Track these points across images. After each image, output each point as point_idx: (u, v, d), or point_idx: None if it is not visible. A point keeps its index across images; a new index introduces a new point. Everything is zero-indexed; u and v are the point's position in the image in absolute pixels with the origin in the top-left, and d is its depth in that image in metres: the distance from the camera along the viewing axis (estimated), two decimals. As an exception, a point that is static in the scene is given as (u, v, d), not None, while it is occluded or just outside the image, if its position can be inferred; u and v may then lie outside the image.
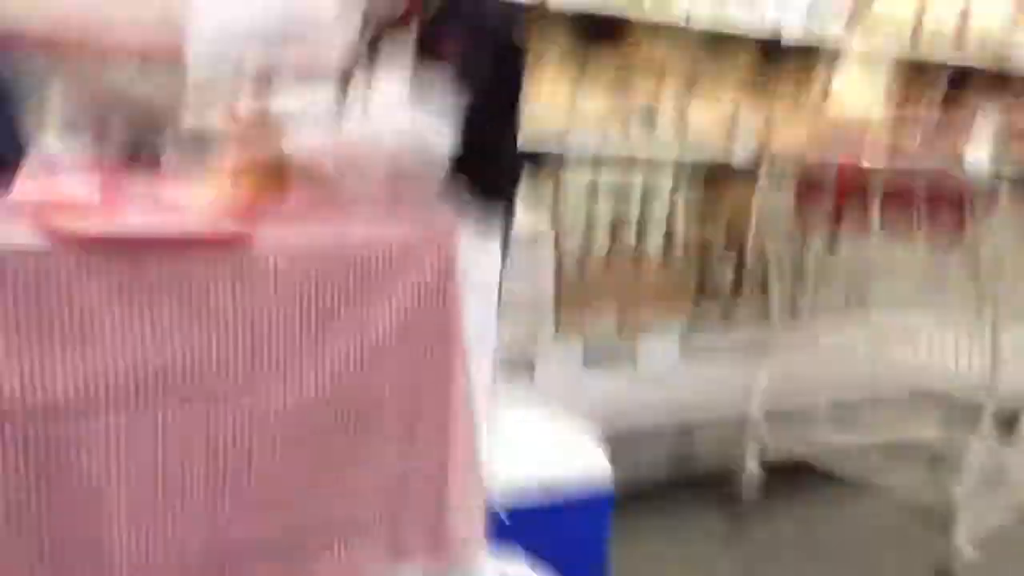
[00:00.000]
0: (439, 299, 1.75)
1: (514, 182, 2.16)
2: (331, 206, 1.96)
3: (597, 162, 3.51)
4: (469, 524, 1.88)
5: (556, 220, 3.45)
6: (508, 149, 2.10)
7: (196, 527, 1.54)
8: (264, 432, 1.58)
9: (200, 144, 2.00)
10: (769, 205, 3.79)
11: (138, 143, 2.20)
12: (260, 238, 1.57)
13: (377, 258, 1.68)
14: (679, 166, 3.73)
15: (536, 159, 3.31)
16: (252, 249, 1.56)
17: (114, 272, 1.45)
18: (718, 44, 3.76)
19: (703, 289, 3.87)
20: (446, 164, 1.90)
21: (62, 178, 2.02)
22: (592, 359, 3.51)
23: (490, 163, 2.02)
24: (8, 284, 1.37)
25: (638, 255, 3.67)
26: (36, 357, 1.39)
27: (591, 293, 3.57)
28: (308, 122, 1.95)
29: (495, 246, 2.05)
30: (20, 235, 1.42)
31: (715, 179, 3.98)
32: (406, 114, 1.88)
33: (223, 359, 1.54)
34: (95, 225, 1.50)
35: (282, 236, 1.61)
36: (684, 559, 3.12)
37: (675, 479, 3.61)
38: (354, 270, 1.66)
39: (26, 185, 1.86)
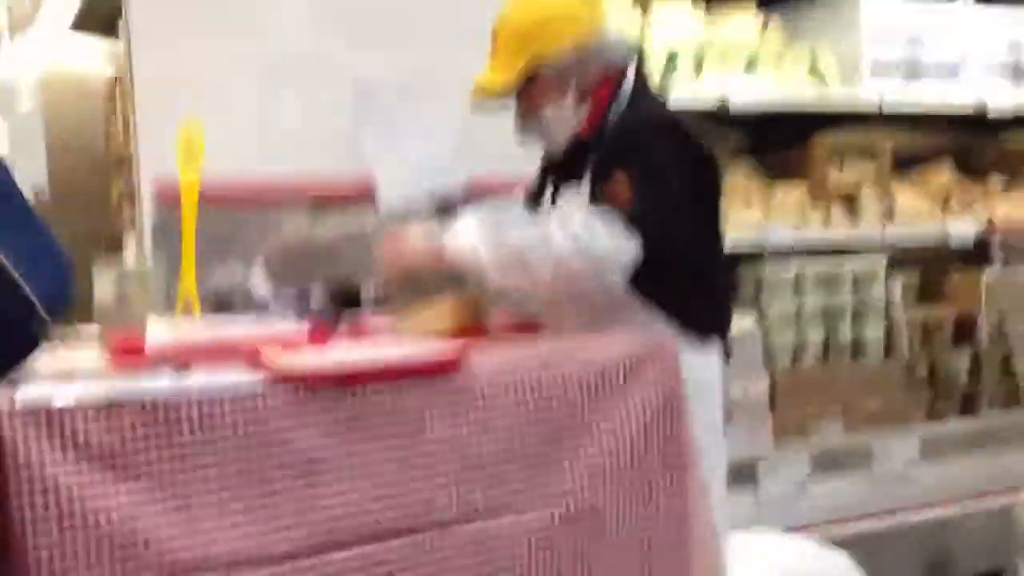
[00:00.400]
0: (667, 418, 1.64)
1: (729, 287, 2.04)
2: (535, 328, 1.90)
3: (801, 254, 3.33)
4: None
5: (762, 317, 3.27)
6: (718, 254, 2.00)
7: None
8: (493, 559, 1.48)
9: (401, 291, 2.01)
10: (1003, 283, 3.50)
11: (339, 294, 2.23)
12: (475, 363, 1.51)
13: (600, 376, 1.59)
14: (893, 252, 3.50)
15: (734, 258, 3.17)
16: (467, 374, 1.50)
17: (331, 407, 1.41)
18: (917, 123, 3.58)
19: (934, 378, 3.56)
20: (626, 269, 1.80)
21: (272, 319, 2.05)
22: (821, 463, 3.26)
23: (699, 269, 1.92)
24: (226, 426, 1.35)
25: (857, 347, 3.42)
26: (256, 507, 1.35)
27: (810, 392, 3.34)
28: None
29: (716, 357, 1.92)
30: (233, 376, 1.41)
31: (931, 263, 3.72)
32: (576, 219, 1.81)
33: (446, 485, 1.46)
34: (309, 360, 1.48)
35: (496, 360, 1.55)
36: None
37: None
38: (577, 390, 1.57)
39: (238, 326, 1.90)
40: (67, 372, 1.49)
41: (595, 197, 1.85)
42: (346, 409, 1.42)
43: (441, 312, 1.89)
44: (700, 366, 1.82)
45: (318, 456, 1.39)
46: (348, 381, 1.42)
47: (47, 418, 1.25)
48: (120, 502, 1.27)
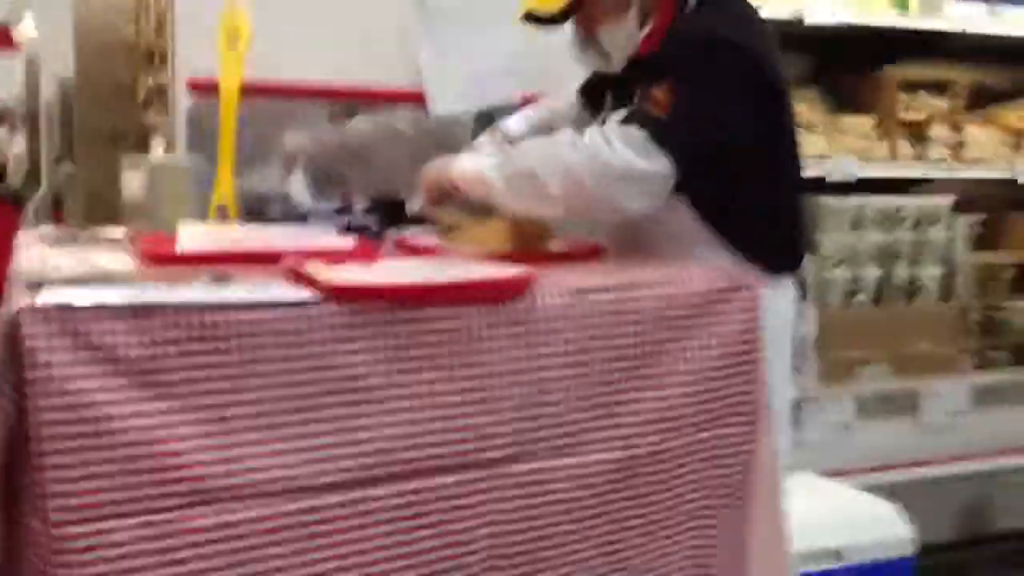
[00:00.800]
0: (743, 354, 1.50)
1: (803, 217, 1.87)
2: (598, 255, 1.75)
3: (863, 188, 3.15)
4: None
5: (816, 252, 3.10)
6: (788, 179, 1.82)
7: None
8: (548, 502, 1.36)
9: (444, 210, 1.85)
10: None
11: (384, 199, 2.08)
12: (542, 288, 1.37)
13: (675, 310, 1.45)
14: (959, 192, 3.32)
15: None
16: (533, 300, 1.36)
17: (384, 329, 1.27)
18: (996, 58, 3.36)
19: (990, 326, 3.41)
20: (656, 187, 1.63)
21: (313, 230, 1.91)
22: (866, 408, 3.13)
23: (764, 194, 1.75)
24: (269, 344, 1.21)
25: (913, 289, 3.26)
26: (297, 434, 1.22)
27: (860, 334, 3.19)
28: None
29: (789, 292, 1.78)
30: (277, 289, 1.27)
31: (998, 206, 3.53)
32: (590, 131, 1.65)
33: (503, 421, 1.33)
34: (360, 276, 1.34)
35: (564, 287, 1.40)
36: None
37: (972, 537, 3.14)
38: (650, 324, 1.43)
39: (277, 235, 1.76)
40: (94, 275, 1.35)
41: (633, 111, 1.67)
42: (400, 332, 1.28)
43: (495, 232, 1.74)
44: (772, 302, 1.67)
45: (368, 382, 1.26)
46: (404, 300, 1.28)
47: (71, 321, 1.11)
48: (149, 419, 1.14)
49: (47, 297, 1.14)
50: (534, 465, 1.35)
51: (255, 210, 2.08)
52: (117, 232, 1.98)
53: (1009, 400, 3.31)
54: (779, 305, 1.73)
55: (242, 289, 1.26)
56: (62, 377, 1.10)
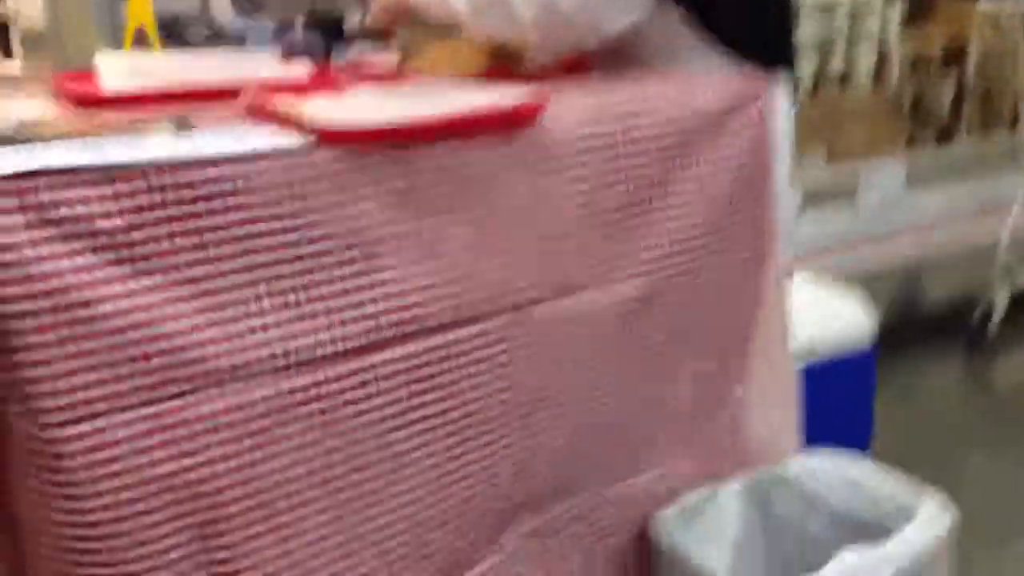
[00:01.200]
0: (757, 175, 1.39)
1: (789, 8, 1.73)
2: (583, 68, 1.59)
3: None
4: (787, 429, 1.57)
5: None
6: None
7: (503, 456, 1.26)
8: (572, 343, 1.27)
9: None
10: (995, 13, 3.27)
11: (320, 15, 1.84)
12: (549, 113, 1.22)
13: (687, 127, 1.32)
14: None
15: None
16: (544, 127, 1.21)
17: (384, 174, 1.12)
18: None
19: (918, 112, 3.40)
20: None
21: (251, 55, 1.70)
22: (805, 200, 3.11)
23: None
24: (256, 202, 1.05)
25: (847, 79, 3.20)
26: (300, 301, 1.08)
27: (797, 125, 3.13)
28: None
29: (783, 95, 1.66)
30: (256, 135, 1.09)
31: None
32: None
33: (521, 263, 1.21)
34: (342, 112, 1.17)
35: (572, 109, 1.25)
36: (918, 412, 2.78)
37: (905, 321, 3.24)
38: (664, 143, 1.30)
39: (215, 64, 1.54)
40: (23, 129, 1.15)
41: None
42: (402, 175, 1.12)
43: (461, 52, 1.56)
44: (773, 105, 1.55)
45: (372, 235, 1.11)
46: (409, 139, 1.12)
47: (31, 192, 0.93)
48: (136, 298, 0.98)
49: (-9, 165, 0.95)
50: (560, 303, 1.25)
51: (173, 34, 1.83)
52: (14, 68, 1.73)
53: (939, 179, 3.36)
54: (780, 107, 1.61)
55: (216, 138, 1.07)
56: (31, 259, 0.93)
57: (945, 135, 3.47)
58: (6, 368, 0.95)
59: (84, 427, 0.97)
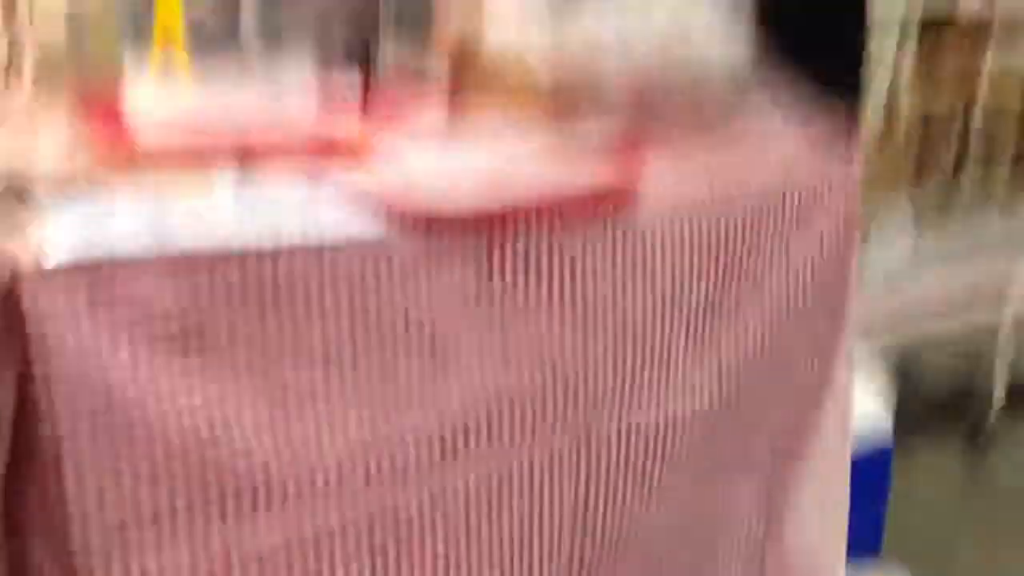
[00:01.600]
0: (840, 265, 1.29)
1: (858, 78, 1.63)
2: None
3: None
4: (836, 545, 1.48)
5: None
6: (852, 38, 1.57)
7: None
8: (649, 456, 1.17)
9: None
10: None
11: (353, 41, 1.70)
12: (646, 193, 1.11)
13: (778, 211, 1.22)
14: (905, 23, 3.15)
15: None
16: (635, 211, 1.10)
17: (464, 260, 1.00)
18: None
19: (920, 172, 3.34)
20: (737, 74, 1.37)
21: (293, 104, 1.55)
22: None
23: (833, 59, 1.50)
24: (330, 292, 0.93)
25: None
26: (375, 400, 0.96)
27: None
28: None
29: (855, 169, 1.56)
30: (332, 215, 0.97)
31: (940, 36, 3.39)
32: (664, 11, 1.36)
33: (605, 369, 1.10)
34: (422, 190, 1.05)
35: (664, 190, 1.14)
36: (913, 503, 2.70)
37: (898, 406, 3.16)
38: (751, 230, 1.20)
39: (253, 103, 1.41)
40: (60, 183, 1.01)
41: None
42: (477, 263, 1.01)
43: (521, 99, 1.44)
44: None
45: (446, 329, 1.00)
46: (490, 227, 1.01)
47: (95, 285, 0.80)
48: (192, 402, 0.86)
49: (56, 244, 0.81)
50: (629, 420, 1.14)
51: (195, 39, 1.68)
52: (25, 94, 1.58)
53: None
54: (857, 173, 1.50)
55: (287, 216, 0.95)
56: (84, 361, 0.80)
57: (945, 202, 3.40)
58: (34, 485, 0.82)
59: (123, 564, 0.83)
